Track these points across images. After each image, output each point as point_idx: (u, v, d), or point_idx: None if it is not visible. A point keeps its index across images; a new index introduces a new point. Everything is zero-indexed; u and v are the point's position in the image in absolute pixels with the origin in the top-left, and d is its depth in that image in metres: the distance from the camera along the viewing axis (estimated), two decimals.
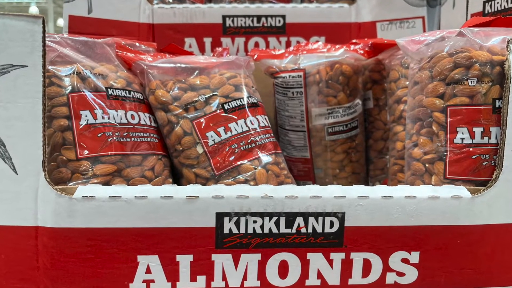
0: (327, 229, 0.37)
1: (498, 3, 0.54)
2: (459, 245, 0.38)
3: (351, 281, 0.38)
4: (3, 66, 0.35)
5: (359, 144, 0.62)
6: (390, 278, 0.38)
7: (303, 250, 0.37)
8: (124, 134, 0.44)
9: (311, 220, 0.36)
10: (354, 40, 0.63)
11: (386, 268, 0.38)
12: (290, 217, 0.36)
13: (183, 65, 0.50)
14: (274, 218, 0.36)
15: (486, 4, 0.55)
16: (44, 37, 0.36)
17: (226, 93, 0.49)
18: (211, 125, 0.47)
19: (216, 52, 0.64)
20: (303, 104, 0.58)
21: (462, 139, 0.41)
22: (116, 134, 0.44)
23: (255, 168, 0.46)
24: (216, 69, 0.51)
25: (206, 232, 0.36)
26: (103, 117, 0.43)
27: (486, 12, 0.55)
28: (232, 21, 0.73)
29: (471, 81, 0.41)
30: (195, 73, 0.50)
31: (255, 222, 0.36)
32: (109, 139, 0.43)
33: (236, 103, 0.48)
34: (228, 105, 0.48)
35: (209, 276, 0.37)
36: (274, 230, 0.37)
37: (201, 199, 0.36)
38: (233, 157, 0.46)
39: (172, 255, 0.37)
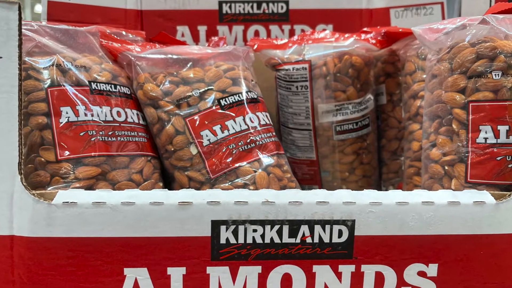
0: (335, 239, 0.37)
1: None
2: (482, 256, 0.38)
3: None
4: None
5: (371, 144, 0.62)
6: None
7: (309, 262, 0.37)
8: (109, 133, 0.44)
9: (317, 228, 0.37)
10: (365, 29, 0.63)
11: (401, 282, 0.38)
12: (294, 226, 0.36)
13: (174, 56, 0.50)
14: (276, 227, 0.36)
15: None
16: (20, 25, 0.35)
17: (223, 87, 0.49)
18: (206, 123, 0.47)
19: (211, 41, 0.64)
20: (309, 99, 0.58)
21: (486, 138, 0.41)
22: (101, 133, 0.44)
23: (255, 171, 0.46)
24: (212, 61, 0.51)
25: (200, 242, 0.36)
26: (85, 114, 0.43)
27: None
28: (230, 7, 0.73)
29: (495, 74, 0.41)
30: (188, 65, 0.50)
31: (255, 231, 0.36)
32: (92, 139, 0.43)
33: (234, 99, 0.48)
34: (225, 100, 0.48)
35: None
36: (276, 240, 0.37)
37: (195, 206, 0.36)
38: (230, 158, 0.46)
39: (163, 268, 0.37)
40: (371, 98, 0.61)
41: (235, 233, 0.36)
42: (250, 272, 0.37)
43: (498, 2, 0.47)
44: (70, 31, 0.48)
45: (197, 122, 0.47)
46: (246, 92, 0.49)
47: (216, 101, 0.48)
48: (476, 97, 0.42)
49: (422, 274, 0.38)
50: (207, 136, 0.46)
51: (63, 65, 0.44)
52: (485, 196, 0.38)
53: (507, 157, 0.41)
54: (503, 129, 0.41)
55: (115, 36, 0.53)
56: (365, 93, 0.60)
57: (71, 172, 0.42)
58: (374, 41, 0.60)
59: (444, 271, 0.38)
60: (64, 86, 0.44)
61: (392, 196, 0.37)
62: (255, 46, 0.60)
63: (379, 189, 0.64)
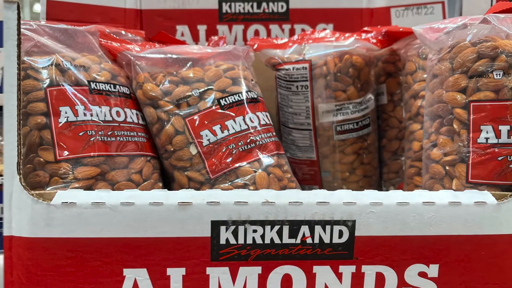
0: (336, 239, 0.37)
1: None
2: (483, 257, 0.38)
3: None
4: None
5: (371, 144, 0.62)
6: None
7: (309, 263, 0.37)
8: (109, 133, 0.44)
9: (318, 229, 0.37)
10: (365, 28, 0.63)
11: (402, 283, 0.38)
12: (294, 226, 0.36)
13: (174, 56, 0.50)
14: (276, 227, 0.36)
15: None
16: (19, 24, 0.35)
17: (223, 87, 0.49)
18: (206, 122, 0.47)
19: (211, 41, 0.64)
20: (309, 99, 0.58)
21: (487, 138, 0.41)
22: (100, 133, 0.44)
23: (255, 171, 0.46)
24: (212, 60, 0.51)
25: (200, 242, 0.36)
26: (85, 114, 0.43)
27: None
28: (230, 6, 0.73)
29: (496, 74, 0.41)
30: (188, 65, 0.50)
31: (255, 231, 0.36)
32: (91, 139, 0.43)
33: (234, 99, 0.48)
34: (225, 100, 0.48)
35: None
36: (276, 241, 0.37)
37: (195, 206, 0.36)
38: (230, 158, 0.46)
39: (162, 268, 0.37)
40: (372, 98, 0.61)
41: (235, 233, 0.36)
42: (250, 273, 0.37)
43: (499, 2, 0.47)
44: (69, 30, 0.48)
45: (197, 122, 0.47)
46: (246, 92, 0.49)
47: (216, 101, 0.48)
48: (477, 96, 0.42)
49: (423, 274, 0.38)
50: (206, 136, 0.46)
51: (62, 65, 0.44)
52: (486, 196, 0.38)
53: (508, 157, 0.41)
54: (504, 129, 0.41)
55: (115, 36, 0.53)
56: (366, 93, 0.60)
57: (70, 172, 0.42)
58: (374, 41, 0.60)
59: (445, 272, 0.38)
60: (63, 85, 0.44)
61: (392, 197, 0.37)
62: (255, 46, 0.60)
63: (380, 189, 0.64)
